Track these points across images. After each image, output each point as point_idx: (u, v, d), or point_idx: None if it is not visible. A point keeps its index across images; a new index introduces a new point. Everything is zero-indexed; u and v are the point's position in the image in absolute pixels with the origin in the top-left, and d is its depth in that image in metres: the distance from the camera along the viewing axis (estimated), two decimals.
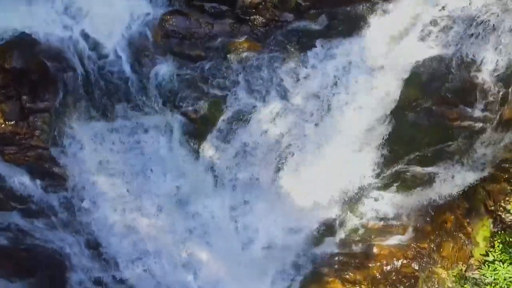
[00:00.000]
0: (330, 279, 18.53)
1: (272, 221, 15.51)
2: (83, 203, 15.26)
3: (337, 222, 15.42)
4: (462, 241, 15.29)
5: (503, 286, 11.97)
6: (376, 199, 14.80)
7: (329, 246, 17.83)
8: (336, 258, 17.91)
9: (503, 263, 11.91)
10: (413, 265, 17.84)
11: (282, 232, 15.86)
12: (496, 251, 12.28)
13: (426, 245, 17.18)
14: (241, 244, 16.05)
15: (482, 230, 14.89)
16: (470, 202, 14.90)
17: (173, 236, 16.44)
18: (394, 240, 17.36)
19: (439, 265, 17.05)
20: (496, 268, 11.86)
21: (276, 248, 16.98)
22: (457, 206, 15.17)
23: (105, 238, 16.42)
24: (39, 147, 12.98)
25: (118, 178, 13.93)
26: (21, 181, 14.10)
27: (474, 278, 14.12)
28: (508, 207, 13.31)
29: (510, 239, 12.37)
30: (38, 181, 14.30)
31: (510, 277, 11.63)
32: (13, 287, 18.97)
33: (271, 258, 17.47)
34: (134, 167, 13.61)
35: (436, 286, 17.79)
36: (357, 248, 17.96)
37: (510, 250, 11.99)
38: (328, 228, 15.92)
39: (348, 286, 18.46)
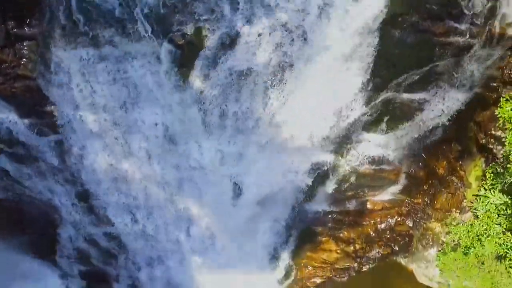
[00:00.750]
0: (324, 238, 18.13)
1: (263, 168, 15.09)
2: (73, 148, 14.93)
3: (329, 168, 15.04)
4: (455, 185, 14.95)
5: (494, 214, 11.51)
6: (366, 141, 14.46)
7: (322, 203, 17.45)
8: (329, 216, 17.58)
9: (493, 191, 11.49)
10: (407, 222, 17.45)
11: (273, 180, 15.40)
12: (488, 181, 11.89)
13: (420, 200, 16.83)
14: (232, 194, 15.63)
15: (475, 170, 14.54)
16: (462, 143, 14.59)
17: (163, 187, 16.02)
18: (387, 194, 17.01)
19: (432, 219, 16.63)
20: (487, 197, 11.41)
21: (268, 201, 16.53)
22: (449, 150, 14.83)
23: (95, 189, 16.05)
24: (26, 77, 12.75)
25: (106, 113, 13.64)
26: (9, 119, 13.79)
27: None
28: (499, 133, 12.94)
29: (500, 169, 11.98)
30: (26, 121, 13.98)
31: (500, 204, 11.20)
32: (4, 247, 18.59)
33: (263, 214, 17.01)
34: (122, 101, 13.32)
35: (431, 243, 17.32)
36: (350, 205, 17.60)
37: (501, 176, 11.59)
38: (320, 176, 15.48)
39: (342, 245, 18.05)
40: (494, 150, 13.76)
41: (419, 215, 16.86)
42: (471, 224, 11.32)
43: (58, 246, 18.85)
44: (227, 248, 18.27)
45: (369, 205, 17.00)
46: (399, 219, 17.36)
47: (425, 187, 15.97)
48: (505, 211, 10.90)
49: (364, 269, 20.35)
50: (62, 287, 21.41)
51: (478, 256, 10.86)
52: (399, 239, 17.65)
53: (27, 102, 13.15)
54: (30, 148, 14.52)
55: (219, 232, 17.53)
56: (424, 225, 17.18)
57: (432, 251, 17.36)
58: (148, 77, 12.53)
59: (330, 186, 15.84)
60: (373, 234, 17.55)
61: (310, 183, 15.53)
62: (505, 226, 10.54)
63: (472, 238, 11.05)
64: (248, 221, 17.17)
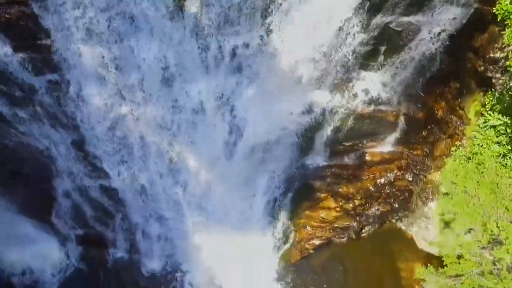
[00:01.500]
0: (323, 194, 17.75)
1: (259, 109, 14.72)
2: (69, 88, 14.60)
3: (327, 109, 14.66)
4: (454, 124, 14.55)
5: (493, 139, 11.10)
6: (364, 79, 14.10)
7: (320, 156, 17.06)
8: (328, 171, 17.24)
9: (493, 113, 11.11)
10: (406, 176, 17.12)
11: (270, 124, 15.00)
12: (487, 107, 11.54)
13: (419, 151, 16.50)
14: (228, 138, 15.20)
15: (474, 106, 14.20)
16: (461, 79, 14.23)
17: (159, 133, 15.62)
18: (386, 145, 16.62)
19: (432, 169, 16.22)
20: (486, 121, 11.02)
21: (265, 155, 16.12)
22: (448, 89, 14.48)
23: (91, 136, 15.68)
24: (21, 2, 12.46)
25: (102, 47, 13.33)
26: (3, 51, 13.47)
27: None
28: (498, 55, 12.59)
29: (500, 96, 11.64)
30: (21, 55, 13.66)
31: (500, 124, 10.82)
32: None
33: (260, 169, 16.59)
34: (118, 32, 13.00)
35: (431, 197, 16.89)
36: (349, 159, 17.28)
37: (500, 98, 11.22)
38: (317, 121, 15.10)
39: (341, 202, 17.65)
40: (493, 80, 13.41)
41: (418, 167, 16.48)
42: (472, 145, 10.92)
43: (54, 205, 18.41)
44: (224, 205, 17.83)
45: (368, 157, 16.62)
46: (398, 173, 16.96)
47: (424, 134, 15.59)
48: (505, 131, 10.50)
49: (364, 232, 19.92)
50: (60, 254, 20.89)
51: (478, 163, 10.42)
52: (399, 194, 17.23)
53: (22, 33, 12.82)
54: (25, 88, 14.15)
55: (215, 186, 17.08)
56: (424, 179, 16.79)
57: (432, 205, 16.87)
58: (145, 4, 12.20)
59: (328, 132, 15.39)
60: (373, 189, 17.13)
61: (307, 128, 15.02)
62: (505, 142, 10.13)
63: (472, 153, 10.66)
64: (245, 175, 16.73)
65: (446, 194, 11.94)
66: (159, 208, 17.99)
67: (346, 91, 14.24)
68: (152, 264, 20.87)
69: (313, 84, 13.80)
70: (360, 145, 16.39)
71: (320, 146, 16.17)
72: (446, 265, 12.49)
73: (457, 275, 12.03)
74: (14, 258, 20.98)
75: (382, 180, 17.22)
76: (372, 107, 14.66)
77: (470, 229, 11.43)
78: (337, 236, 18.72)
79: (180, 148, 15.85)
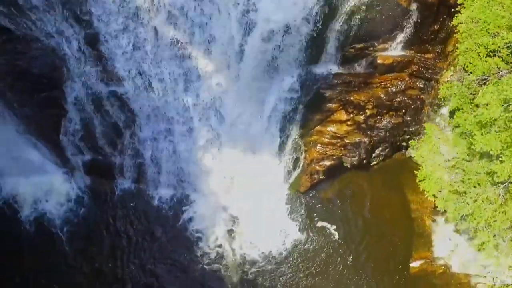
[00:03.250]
0: (334, 105, 17.32)
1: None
2: None
3: None
4: None
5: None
6: None
7: (330, 64, 16.58)
8: (339, 79, 16.87)
9: None
10: (418, 84, 16.65)
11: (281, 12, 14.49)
12: None
13: (430, 54, 16.12)
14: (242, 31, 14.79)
15: None
16: None
17: (174, 28, 15.17)
18: (398, 49, 16.18)
19: (445, 70, 15.72)
20: None
21: (274, 56, 15.56)
22: None
23: (104, 31, 15.27)
24: None
25: None
26: None
27: None
28: None
29: None
30: None
31: None
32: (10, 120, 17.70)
33: (270, 73, 16.04)
34: None
35: (442, 104, 16.37)
36: (360, 67, 16.79)
37: None
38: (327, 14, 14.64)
39: (352, 113, 17.19)
40: None
41: (430, 70, 16.06)
42: None
43: (63, 122, 17.79)
44: (234, 119, 17.25)
45: (379, 61, 16.17)
46: (409, 81, 16.57)
47: (436, 28, 15.08)
48: None
49: (374, 156, 19.31)
50: (66, 185, 20.27)
51: None
52: (410, 103, 16.74)
53: None
54: None
55: (227, 95, 16.56)
56: (436, 86, 16.25)
57: (444, 111, 16.31)
58: None
59: (339, 23, 14.85)
60: (384, 97, 16.65)
61: (319, 19, 14.52)
62: None
63: None
64: (257, 86, 16.25)
65: None
66: (169, 122, 17.36)
67: None
68: (159, 194, 20.20)
69: None
70: (371, 48, 15.98)
71: (331, 48, 15.69)
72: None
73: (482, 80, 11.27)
74: (22, 189, 20.33)
75: (394, 89, 16.78)
76: None
77: (495, 34, 10.87)
78: (348, 155, 18.10)
79: (193, 47, 15.35)
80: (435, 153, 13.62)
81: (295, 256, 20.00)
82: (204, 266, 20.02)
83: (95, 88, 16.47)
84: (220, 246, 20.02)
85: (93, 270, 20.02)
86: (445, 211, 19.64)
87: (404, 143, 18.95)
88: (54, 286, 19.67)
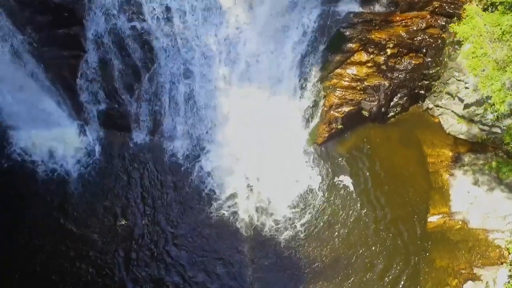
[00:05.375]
0: (354, 45, 16.91)
1: None
2: None
3: None
4: None
5: None
6: None
7: (351, 3, 16.24)
8: (360, 17, 16.53)
9: None
10: (439, 21, 16.25)
11: None
12: None
13: None
14: None
15: None
16: None
17: None
18: None
19: (468, 2, 15.37)
20: None
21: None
22: None
23: None
24: None
25: None
26: None
27: None
28: None
29: None
30: None
31: None
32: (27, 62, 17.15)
33: (291, 16, 15.66)
34: None
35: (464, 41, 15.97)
36: (380, 6, 16.47)
37: None
38: None
39: (373, 54, 16.76)
40: None
41: (452, 6, 15.63)
42: None
43: (80, 64, 17.20)
44: (255, 57, 16.74)
45: None
46: (431, 19, 16.22)
47: None
48: None
49: (392, 107, 18.84)
50: (81, 138, 19.64)
51: None
52: (431, 41, 16.43)
53: None
54: None
55: (247, 30, 16.07)
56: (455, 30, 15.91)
57: (468, 46, 15.89)
58: None
59: None
60: (405, 35, 16.32)
61: None
62: None
63: None
64: (277, 24, 15.75)
65: None
66: (189, 63, 16.83)
67: None
68: (174, 146, 19.56)
69: None
70: None
71: None
72: None
73: None
74: (36, 141, 19.61)
75: (415, 27, 16.40)
76: None
77: None
78: (367, 99, 17.69)
79: None
80: (480, 29, 13.04)
81: (311, 209, 19.37)
82: (219, 219, 19.26)
83: (116, 23, 15.92)
84: (235, 198, 19.33)
85: (105, 225, 19.22)
86: (462, 165, 19.28)
87: (422, 91, 18.48)
88: (66, 242, 18.76)
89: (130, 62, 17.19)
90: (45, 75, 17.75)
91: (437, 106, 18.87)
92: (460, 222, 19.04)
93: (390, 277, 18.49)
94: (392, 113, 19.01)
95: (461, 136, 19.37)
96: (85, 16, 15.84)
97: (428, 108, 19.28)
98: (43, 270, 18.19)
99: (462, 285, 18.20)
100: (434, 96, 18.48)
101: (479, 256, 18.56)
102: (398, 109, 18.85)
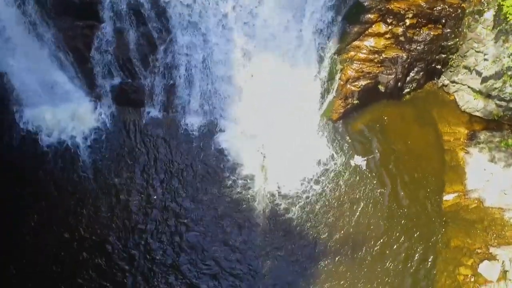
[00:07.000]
0: (373, 15, 16.46)
1: None
2: None
3: None
4: None
5: None
6: None
7: None
8: None
9: None
10: None
11: None
12: None
13: None
14: None
15: None
16: None
17: None
18: None
19: None
20: None
21: None
22: None
23: None
24: None
25: None
26: None
27: None
28: None
29: None
30: None
31: None
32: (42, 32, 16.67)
33: None
34: None
35: (486, 9, 15.65)
36: None
37: None
38: None
39: (392, 25, 16.34)
40: None
41: None
42: None
43: (96, 32, 16.77)
44: (273, 26, 16.32)
45: None
46: None
47: None
48: None
49: (408, 83, 18.44)
50: (93, 113, 19.09)
51: None
52: (451, 11, 16.05)
53: None
54: None
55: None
56: None
57: (488, 15, 15.55)
58: None
59: None
60: (424, 5, 15.96)
61: None
62: None
63: None
64: None
65: None
66: (205, 34, 16.38)
67: None
68: (188, 122, 19.11)
69: None
70: None
71: None
72: None
73: None
74: (47, 118, 19.09)
75: None
76: None
77: None
78: (385, 72, 17.22)
79: None
80: None
81: (325, 187, 18.88)
82: (233, 198, 18.77)
83: None
84: (249, 177, 18.80)
85: (118, 203, 18.71)
86: (478, 142, 18.84)
87: (438, 66, 18.09)
88: (79, 219, 18.11)
89: (146, 33, 16.75)
90: (59, 47, 17.22)
91: (453, 82, 18.46)
92: (476, 201, 18.59)
93: (405, 257, 17.95)
94: (407, 89, 18.59)
95: (477, 114, 18.97)
96: None
97: (443, 85, 18.89)
98: (50, 246, 17.54)
99: (478, 264, 17.66)
100: (451, 72, 18.07)
101: (494, 235, 18.07)
102: (414, 84, 18.42)
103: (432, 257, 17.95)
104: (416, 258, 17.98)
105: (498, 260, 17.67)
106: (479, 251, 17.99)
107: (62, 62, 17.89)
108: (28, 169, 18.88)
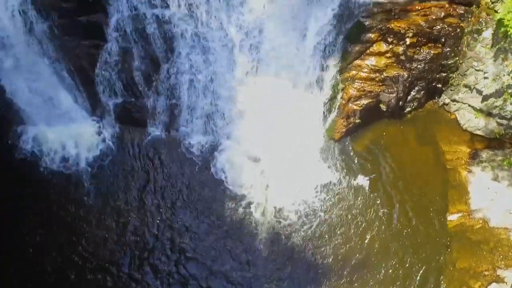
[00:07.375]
0: (373, 35, 16.73)
1: None
2: None
3: None
4: None
5: None
6: None
7: None
8: (379, 7, 16.40)
9: None
10: (458, 10, 16.20)
11: None
12: None
13: None
14: None
15: None
16: None
17: None
18: None
19: None
20: None
21: None
22: None
23: None
24: None
25: None
26: None
27: None
28: None
29: None
30: None
31: None
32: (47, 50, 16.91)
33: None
34: None
35: (484, 27, 15.97)
36: None
37: None
38: None
39: (392, 43, 16.62)
40: None
41: None
42: None
43: (101, 51, 16.95)
44: (274, 46, 16.54)
45: None
46: (449, 8, 16.26)
47: None
48: None
49: (409, 102, 18.59)
50: (95, 133, 19.21)
51: None
52: (450, 30, 16.31)
53: None
54: None
55: (267, 20, 15.96)
56: (476, 11, 15.88)
57: (487, 34, 15.81)
58: None
59: None
60: (424, 24, 16.21)
61: None
62: None
63: None
64: (296, 11, 15.68)
65: None
66: (209, 52, 16.59)
67: None
68: (190, 142, 19.10)
69: None
70: None
71: None
72: None
73: None
74: (50, 137, 19.16)
75: (434, 17, 16.30)
76: None
77: None
78: (386, 91, 17.38)
79: None
80: None
81: (327, 207, 18.68)
82: (233, 217, 18.54)
83: (139, 9, 15.73)
84: (250, 196, 18.63)
85: (119, 223, 18.42)
86: (480, 161, 18.79)
87: (439, 84, 18.23)
88: (80, 239, 17.89)
89: (150, 52, 16.92)
90: (63, 66, 17.38)
91: (453, 100, 18.55)
92: (481, 221, 18.36)
93: (410, 280, 17.59)
94: (409, 108, 18.66)
95: (478, 132, 18.96)
96: (109, 1, 15.59)
97: (444, 103, 18.97)
98: (52, 267, 17.29)
99: (486, 287, 17.23)
100: (451, 90, 18.19)
101: (501, 256, 17.75)
102: (415, 103, 18.52)
103: (437, 279, 17.57)
104: (421, 280, 17.62)
105: (506, 282, 17.29)
106: (486, 273, 17.60)
107: (66, 81, 17.98)
108: (27, 187, 18.74)
